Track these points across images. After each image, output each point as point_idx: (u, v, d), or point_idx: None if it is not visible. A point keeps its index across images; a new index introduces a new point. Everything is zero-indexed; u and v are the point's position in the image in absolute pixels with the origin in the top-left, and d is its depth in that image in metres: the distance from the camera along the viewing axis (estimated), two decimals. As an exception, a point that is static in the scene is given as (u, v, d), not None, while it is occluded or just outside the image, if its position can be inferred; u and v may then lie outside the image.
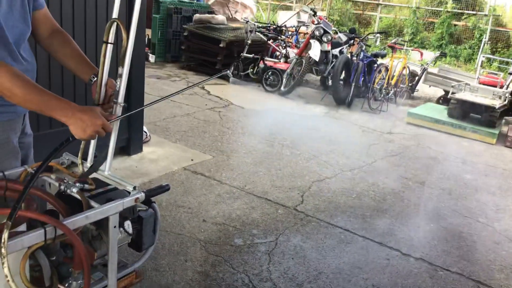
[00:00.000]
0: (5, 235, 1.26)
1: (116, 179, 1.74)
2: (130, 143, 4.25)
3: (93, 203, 1.59)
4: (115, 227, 1.61)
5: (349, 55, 8.18)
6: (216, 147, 4.89)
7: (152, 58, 10.35)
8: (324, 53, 8.25)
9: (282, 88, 8.11)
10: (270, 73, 8.35)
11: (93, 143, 1.78)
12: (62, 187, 1.65)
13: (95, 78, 1.70)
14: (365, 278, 2.81)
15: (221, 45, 9.00)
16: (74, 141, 1.54)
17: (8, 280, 1.32)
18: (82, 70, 1.78)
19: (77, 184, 1.67)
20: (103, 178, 1.78)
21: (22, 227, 1.41)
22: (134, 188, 1.69)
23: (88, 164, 1.77)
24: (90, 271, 1.54)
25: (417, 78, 9.48)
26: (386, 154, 5.43)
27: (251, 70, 8.94)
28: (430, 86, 9.33)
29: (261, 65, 8.65)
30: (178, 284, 2.51)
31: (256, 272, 2.72)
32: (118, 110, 1.68)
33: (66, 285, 1.56)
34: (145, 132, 4.63)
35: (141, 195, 1.69)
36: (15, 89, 1.42)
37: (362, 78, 7.98)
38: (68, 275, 1.58)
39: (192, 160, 4.40)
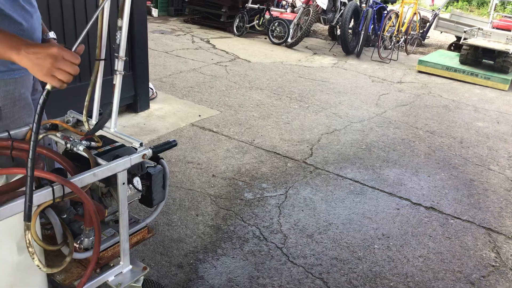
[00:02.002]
0: (28, 236, 1.27)
1: (122, 136, 1.71)
2: (137, 100, 4.21)
3: (100, 160, 1.57)
4: (123, 183, 1.60)
5: (358, 2, 7.91)
6: (223, 102, 4.84)
7: (155, 12, 10.11)
8: (332, 1, 7.98)
9: (289, 39, 7.92)
10: (276, 24, 8.14)
11: (97, 99, 1.74)
12: (68, 145, 1.63)
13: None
14: (375, 228, 2.82)
15: (225, -4, 8.74)
16: (48, 90, 1.29)
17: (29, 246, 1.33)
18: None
19: (83, 142, 1.65)
20: (109, 135, 1.76)
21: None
22: (141, 144, 1.67)
23: (94, 121, 1.74)
24: (101, 227, 1.55)
25: (428, 24, 9.20)
26: (396, 104, 5.35)
27: (257, 21, 8.71)
28: (441, 33, 9.07)
29: (267, 16, 8.42)
30: (190, 237, 2.54)
31: (267, 224, 2.74)
32: (120, 64, 1.63)
33: (78, 242, 1.57)
34: (151, 88, 4.57)
35: (148, 151, 1.67)
36: None
37: (372, 26, 7.75)
38: (79, 232, 1.60)
39: (199, 116, 4.36)
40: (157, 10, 10.13)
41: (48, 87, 1.28)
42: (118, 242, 1.72)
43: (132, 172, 1.73)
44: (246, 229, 2.68)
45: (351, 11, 7.47)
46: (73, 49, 1.31)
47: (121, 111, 4.22)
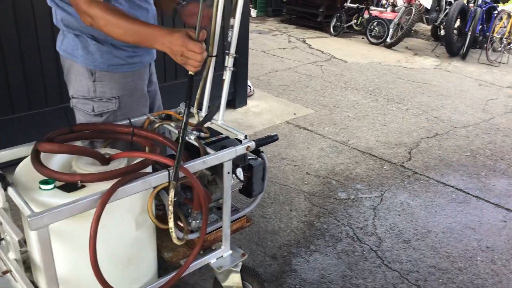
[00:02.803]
0: (171, 194, 1.41)
1: (229, 128, 1.80)
2: (236, 96, 4.36)
3: (209, 149, 1.67)
4: (228, 172, 1.69)
5: (465, 1, 7.44)
6: (318, 102, 4.84)
7: (253, 12, 10.36)
8: (436, 0, 7.60)
9: (388, 39, 7.68)
10: (375, 23, 7.93)
11: (207, 93, 1.84)
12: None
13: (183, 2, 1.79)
14: (478, 239, 2.65)
15: (323, -4, 8.71)
16: (190, 75, 1.45)
17: (171, 231, 1.46)
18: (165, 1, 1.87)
19: (194, 132, 1.77)
20: (216, 127, 1.85)
21: (148, 169, 1.52)
22: (246, 137, 1.74)
23: (203, 113, 1.85)
24: (208, 211, 1.65)
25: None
26: (505, 110, 4.95)
27: (355, 21, 8.55)
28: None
29: (366, 15, 8.23)
30: (284, 231, 2.59)
31: (361, 226, 2.70)
32: (230, 61, 1.71)
33: (187, 223, 1.68)
34: (249, 86, 4.71)
35: (252, 144, 1.74)
36: (117, 23, 1.43)
37: (480, 27, 7.24)
38: (187, 214, 1.71)
39: (294, 114, 4.41)
40: (255, 10, 10.37)
41: (190, 72, 1.45)
42: (221, 227, 1.81)
43: (235, 163, 1.81)
44: (339, 228, 2.67)
45: (457, 10, 7.04)
46: (196, 36, 1.42)
47: (221, 107, 4.40)
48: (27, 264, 1.55)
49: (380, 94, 5.20)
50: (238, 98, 4.38)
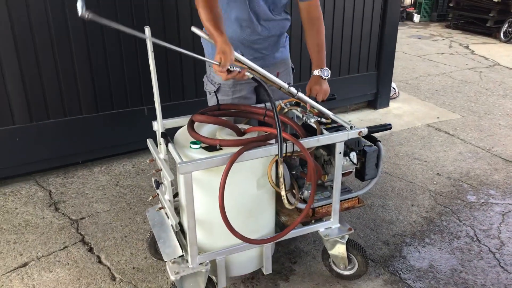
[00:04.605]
0: (281, 168, 1.78)
1: (336, 119, 2.04)
2: (378, 97, 4.52)
3: (325, 131, 1.98)
4: (340, 153, 1.98)
5: None
6: (468, 107, 4.68)
7: (416, 18, 10.13)
8: None
9: None
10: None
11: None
12: (304, 118, 2.11)
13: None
14: None
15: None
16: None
17: (283, 198, 1.83)
18: (312, 61, 2.24)
19: (315, 117, 2.09)
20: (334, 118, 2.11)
21: (272, 142, 1.90)
22: (351, 127, 1.96)
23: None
24: (316, 183, 1.95)
25: None
26: None
27: (531, 26, 7.79)
28: None
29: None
30: (401, 222, 2.73)
31: (484, 228, 2.68)
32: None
33: (300, 193, 2.02)
34: (393, 88, 4.80)
35: (364, 129, 1.99)
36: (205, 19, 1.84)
37: None
38: (303, 186, 2.04)
39: (438, 118, 4.37)
40: (419, 16, 10.13)
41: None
42: (331, 203, 2.10)
43: (350, 147, 2.09)
44: (460, 227, 2.70)
45: None
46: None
47: (362, 107, 4.61)
48: (177, 211, 2.07)
49: (545, 104, 4.77)
50: (379, 99, 4.53)
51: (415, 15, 10.14)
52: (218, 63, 1.72)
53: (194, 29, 1.89)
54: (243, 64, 1.85)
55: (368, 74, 4.42)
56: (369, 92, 4.50)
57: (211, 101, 2.30)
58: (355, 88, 4.39)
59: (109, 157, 3.40)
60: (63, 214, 2.76)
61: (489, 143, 3.83)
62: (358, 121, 4.28)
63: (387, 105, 4.61)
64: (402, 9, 10.27)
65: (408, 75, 5.79)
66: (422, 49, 7.26)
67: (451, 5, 9.55)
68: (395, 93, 4.85)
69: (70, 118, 3.09)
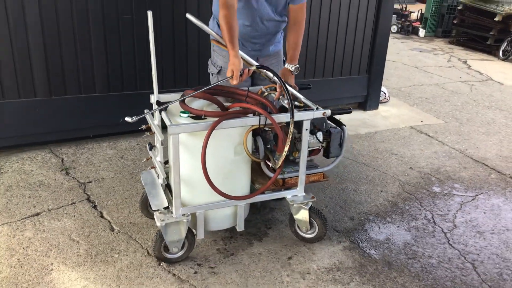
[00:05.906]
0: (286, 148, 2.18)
1: (307, 102, 2.41)
2: (368, 99, 4.88)
3: (295, 111, 2.35)
4: (306, 129, 2.34)
5: None
6: (452, 115, 5.01)
7: (421, 32, 10.47)
8: None
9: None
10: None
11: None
12: (279, 101, 2.48)
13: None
14: None
15: (496, 18, 8.45)
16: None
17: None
18: (288, 55, 2.66)
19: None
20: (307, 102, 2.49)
21: (250, 116, 2.28)
22: (317, 108, 2.34)
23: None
24: (285, 154, 2.31)
25: None
26: None
27: (528, 45, 8.09)
28: None
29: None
30: (368, 204, 3.08)
31: (442, 213, 3.02)
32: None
33: (273, 158, 2.38)
34: (384, 93, 5.16)
35: (328, 111, 2.37)
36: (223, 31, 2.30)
37: None
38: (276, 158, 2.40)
39: (421, 121, 4.71)
40: (424, 30, 10.46)
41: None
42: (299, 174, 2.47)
43: (317, 127, 2.45)
44: (420, 211, 3.04)
45: None
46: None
47: (353, 107, 4.95)
48: (169, 180, 2.45)
49: (526, 116, 5.08)
50: (369, 101, 4.88)
51: (421, 29, 10.48)
52: (231, 77, 2.23)
53: (188, 16, 2.29)
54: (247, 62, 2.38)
55: (359, 77, 4.78)
56: (360, 94, 4.86)
57: (213, 81, 2.70)
58: (347, 89, 4.76)
59: (117, 134, 3.80)
60: (72, 177, 3.16)
61: (464, 145, 4.16)
62: (348, 120, 4.62)
63: (376, 107, 4.96)
64: (408, 23, 10.63)
65: (402, 83, 6.14)
66: (421, 61, 7.61)
67: (455, 22, 9.87)
68: (385, 98, 5.20)
69: (85, 95, 3.51)
